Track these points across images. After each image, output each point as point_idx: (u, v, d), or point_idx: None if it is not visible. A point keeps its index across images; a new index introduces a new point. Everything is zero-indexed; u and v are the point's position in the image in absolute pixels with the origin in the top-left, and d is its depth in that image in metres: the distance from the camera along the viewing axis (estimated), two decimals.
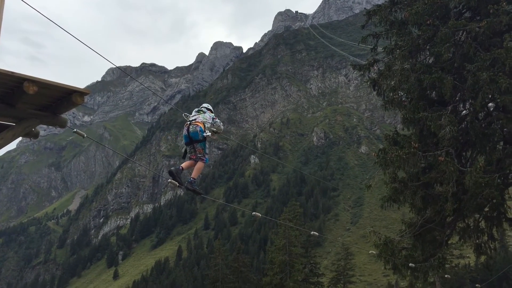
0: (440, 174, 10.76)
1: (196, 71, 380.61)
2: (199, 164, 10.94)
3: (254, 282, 49.53)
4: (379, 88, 13.13)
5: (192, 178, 11.04)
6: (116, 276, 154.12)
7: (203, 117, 11.07)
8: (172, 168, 10.66)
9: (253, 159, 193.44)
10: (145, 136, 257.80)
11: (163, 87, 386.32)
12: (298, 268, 38.27)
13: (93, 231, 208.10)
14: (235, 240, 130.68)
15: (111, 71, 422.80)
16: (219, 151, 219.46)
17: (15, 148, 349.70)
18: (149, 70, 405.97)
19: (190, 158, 11.09)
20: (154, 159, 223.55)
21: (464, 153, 12.11)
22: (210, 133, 10.87)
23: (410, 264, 11.18)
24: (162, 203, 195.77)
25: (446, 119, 10.45)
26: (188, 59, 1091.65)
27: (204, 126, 10.87)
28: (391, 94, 12.71)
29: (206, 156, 11.09)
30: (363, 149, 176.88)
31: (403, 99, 12.41)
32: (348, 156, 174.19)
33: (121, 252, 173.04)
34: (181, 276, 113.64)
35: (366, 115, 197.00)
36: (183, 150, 11.31)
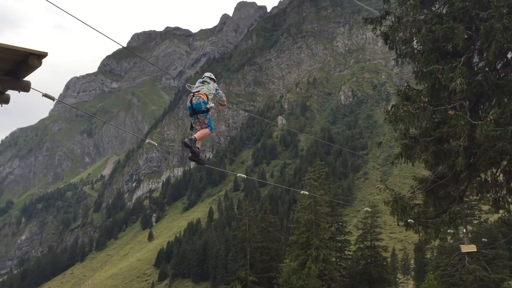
0: (451, 128, 10.42)
1: (220, 33, 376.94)
2: (205, 130, 10.84)
3: (281, 241, 50.40)
4: (392, 42, 12.68)
5: (194, 137, 10.90)
6: (150, 237, 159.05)
7: (206, 88, 10.91)
8: (186, 139, 10.75)
9: (280, 120, 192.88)
10: (172, 101, 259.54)
11: (188, 50, 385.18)
12: (324, 227, 38.55)
13: (126, 195, 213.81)
14: (264, 201, 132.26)
15: (136, 37, 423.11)
16: (246, 113, 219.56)
17: (48, 116, 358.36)
18: (173, 33, 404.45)
19: (195, 129, 10.99)
20: (182, 123, 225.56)
21: (480, 106, 11.68)
22: (213, 104, 10.81)
23: (420, 221, 11.12)
24: (192, 166, 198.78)
25: (457, 71, 10.03)
26: (212, 21, 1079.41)
27: (207, 97, 10.75)
28: (403, 48, 12.26)
29: (210, 127, 10.86)
30: None
31: (416, 52, 11.96)
32: (376, 114, 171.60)
33: (154, 215, 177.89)
34: (212, 237, 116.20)
35: (395, 71, 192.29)
36: (190, 122, 11.35)
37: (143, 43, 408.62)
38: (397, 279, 64.42)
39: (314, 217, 37.40)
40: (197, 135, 10.86)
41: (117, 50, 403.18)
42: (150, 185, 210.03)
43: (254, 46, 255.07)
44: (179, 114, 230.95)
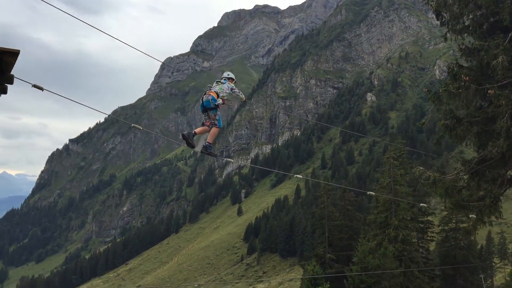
0: (497, 108, 9.78)
1: (309, 9, 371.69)
2: (214, 130, 11.94)
3: (360, 220, 49.89)
4: (443, 17, 12.02)
5: (208, 142, 12.09)
6: (239, 212, 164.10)
7: (219, 88, 11.99)
8: (185, 132, 11.88)
9: (370, 96, 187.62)
10: (260, 79, 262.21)
11: (277, 28, 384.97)
12: (404, 207, 37.51)
13: (217, 170, 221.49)
14: (352, 179, 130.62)
15: (226, 16, 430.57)
16: (334, 90, 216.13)
17: (145, 95, 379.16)
18: (262, 11, 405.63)
19: (204, 124, 12.07)
20: (271, 100, 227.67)
21: None
22: (221, 101, 11.73)
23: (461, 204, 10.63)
24: (279, 144, 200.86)
25: (500, 48, 9.35)
26: None
27: (218, 95, 11.78)
28: (454, 23, 11.58)
29: (219, 123, 11.96)
30: None
31: (462, 27, 11.26)
32: None
33: (243, 191, 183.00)
34: (299, 214, 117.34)
35: None
36: (202, 121, 12.23)
37: (233, 22, 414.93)
38: (493, 264, 61.23)
39: (393, 197, 36.56)
40: (198, 130, 11.94)
41: (208, 30, 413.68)
42: (240, 162, 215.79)
43: (344, 21, 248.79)
44: (267, 92, 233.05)
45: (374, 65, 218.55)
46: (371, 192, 15.15)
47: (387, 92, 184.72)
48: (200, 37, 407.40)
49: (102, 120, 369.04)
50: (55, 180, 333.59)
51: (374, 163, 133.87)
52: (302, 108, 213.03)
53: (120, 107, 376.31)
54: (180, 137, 11.98)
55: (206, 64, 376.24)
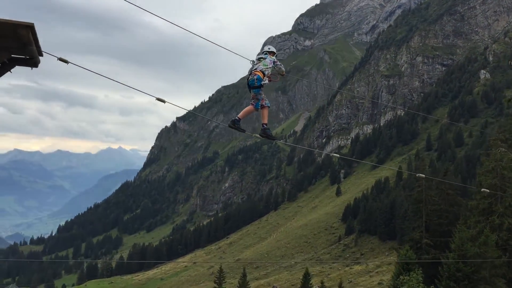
0: None
1: None
2: (264, 110, 11.91)
3: (462, 205, 46.87)
4: None
5: (264, 124, 12.03)
6: (338, 192, 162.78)
7: (263, 65, 11.70)
8: (230, 121, 11.86)
9: (483, 74, 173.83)
10: (363, 57, 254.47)
11: (382, 3, 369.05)
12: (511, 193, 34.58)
13: (316, 150, 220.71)
14: (460, 162, 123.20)
15: None
16: (443, 68, 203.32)
17: (247, 75, 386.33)
18: None
19: (251, 104, 12.03)
20: (373, 79, 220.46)
21: None
22: (267, 81, 11.61)
23: None
24: (381, 124, 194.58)
25: None
26: None
27: (264, 74, 11.56)
28: None
29: (262, 101, 11.85)
30: None
31: None
32: None
33: (342, 171, 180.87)
34: (400, 196, 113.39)
35: None
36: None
37: None
38: None
39: (499, 182, 33.81)
40: (241, 114, 11.91)
41: (310, 8, 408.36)
42: (339, 142, 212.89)
43: None
44: (370, 70, 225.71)
45: (489, 40, 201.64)
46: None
47: (504, 69, 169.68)
48: (302, 15, 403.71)
49: (206, 99, 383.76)
50: (164, 156, 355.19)
51: (485, 146, 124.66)
52: (407, 87, 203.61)
53: (223, 86, 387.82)
54: (229, 127, 11.95)
55: (307, 42, 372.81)
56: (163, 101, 9.81)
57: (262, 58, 12.04)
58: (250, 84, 11.77)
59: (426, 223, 43.99)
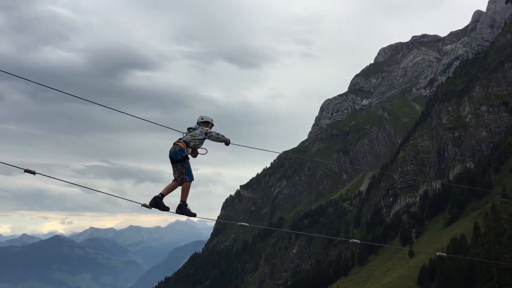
0: None
1: (473, 32, 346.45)
2: (185, 185, 10.91)
3: None
4: None
5: (182, 201, 11.09)
6: (411, 253, 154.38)
7: (190, 135, 10.94)
8: (151, 200, 10.75)
9: None
10: (423, 111, 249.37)
11: (438, 56, 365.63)
12: None
13: (384, 210, 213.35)
14: None
15: (382, 52, 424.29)
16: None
17: (307, 139, 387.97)
18: (420, 42, 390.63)
19: (174, 179, 11.11)
20: (437, 133, 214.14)
21: None
22: (190, 151, 10.73)
23: None
24: (450, 178, 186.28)
25: None
26: (462, 21, 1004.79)
27: (187, 145, 10.76)
28: None
29: (189, 176, 10.91)
30: None
31: None
32: None
33: (413, 230, 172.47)
34: (480, 254, 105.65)
35: None
36: None
37: (390, 57, 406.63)
38: None
39: None
40: (165, 190, 10.94)
41: (365, 68, 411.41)
42: (408, 199, 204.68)
43: None
44: (432, 124, 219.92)
45: None
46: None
47: None
48: (357, 75, 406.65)
49: (268, 165, 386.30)
50: (230, 225, 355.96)
51: None
52: (474, 138, 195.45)
53: (284, 151, 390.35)
54: (150, 208, 10.79)
55: (365, 102, 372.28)
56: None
57: (191, 128, 11.22)
58: (173, 157, 10.82)
59: (499, 284, 40.39)
